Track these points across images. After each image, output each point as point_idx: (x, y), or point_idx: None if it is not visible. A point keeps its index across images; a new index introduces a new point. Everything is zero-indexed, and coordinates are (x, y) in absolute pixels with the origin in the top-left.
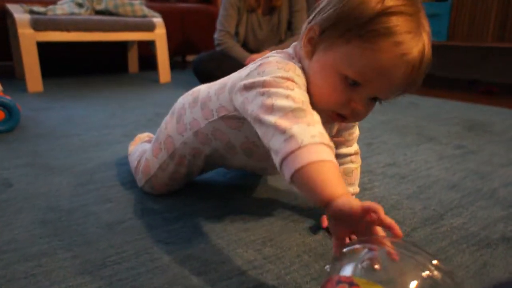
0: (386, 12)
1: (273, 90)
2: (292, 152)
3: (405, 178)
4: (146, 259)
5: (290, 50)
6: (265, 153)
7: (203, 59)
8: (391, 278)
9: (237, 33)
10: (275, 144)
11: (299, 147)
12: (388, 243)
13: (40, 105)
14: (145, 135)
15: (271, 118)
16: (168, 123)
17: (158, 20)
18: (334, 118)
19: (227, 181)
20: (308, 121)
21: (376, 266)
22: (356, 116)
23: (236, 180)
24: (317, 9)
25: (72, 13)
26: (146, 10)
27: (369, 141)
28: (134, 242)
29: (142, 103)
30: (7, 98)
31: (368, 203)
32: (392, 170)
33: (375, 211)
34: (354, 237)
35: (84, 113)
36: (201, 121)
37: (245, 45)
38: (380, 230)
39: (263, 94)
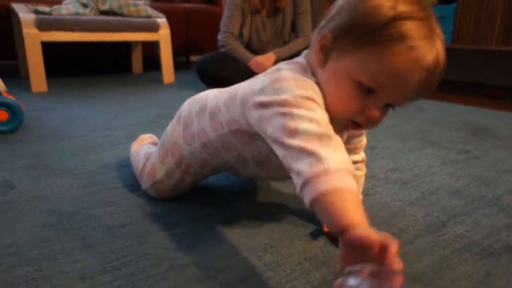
0: (399, 18)
1: (295, 111)
2: (317, 176)
3: (408, 183)
4: (146, 265)
5: (301, 59)
6: (277, 164)
7: (206, 61)
8: None
9: (241, 35)
10: (299, 166)
11: (325, 172)
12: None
13: (43, 105)
14: (148, 136)
15: (295, 142)
16: (175, 129)
17: (162, 20)
18: (350, 126)
19: (230, 185)
20: (334, 145)
21: None
22: (371, 123)
23: (238, 184)
24: (328, 16)
25: (77, 13)
26: (150, 11)
27: (372, 145)
28: (135, 247)
29: (145, 104)
30: (11, 99)
31: (386, 238)
32: (395, 175)
33: (390, 248)
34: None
35: (87, 113)
36: (209, 132)
37: (249, 47)
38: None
39: (284, 114)
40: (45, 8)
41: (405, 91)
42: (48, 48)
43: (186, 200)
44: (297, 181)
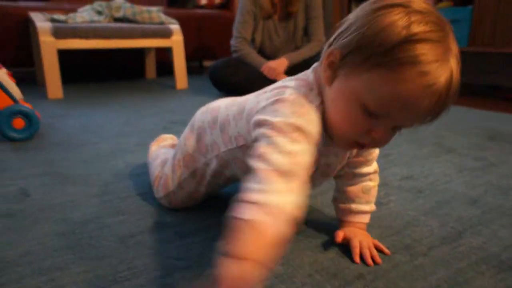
0: (412, 39)
1: (276, 139)
2: (253, 201)
3: (423, 192)
4: (156, 276)
5: (310, 74)
6: None
7: (219, 66)
8: None
9: (253, 40)
10: (250, 184)
11: (256, 204)
12: None
13: (59, 112)
14: (169, 137)
15: (257, 165)
16: (188, 140)
17: (175, 26)
18: (352, 146)
19: None
20: (291, 186)
21: None
22: (375, 145)
23: None
24: (338, 31)
25: (92, 21)
26: (164, 17)
27: (386, 152)
28: (145, 258)
29: (158, 110)
30: (28, 107)
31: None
32: (409, 184)
33: None
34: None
35: (100, 120)
36: (220, 145)
37: (261, 52)
38: None
39: (267, 137)
40: (61, 17)
41: (413, 117)
42: (64, 55)
43: (197, 209)
44: (239, 193)
